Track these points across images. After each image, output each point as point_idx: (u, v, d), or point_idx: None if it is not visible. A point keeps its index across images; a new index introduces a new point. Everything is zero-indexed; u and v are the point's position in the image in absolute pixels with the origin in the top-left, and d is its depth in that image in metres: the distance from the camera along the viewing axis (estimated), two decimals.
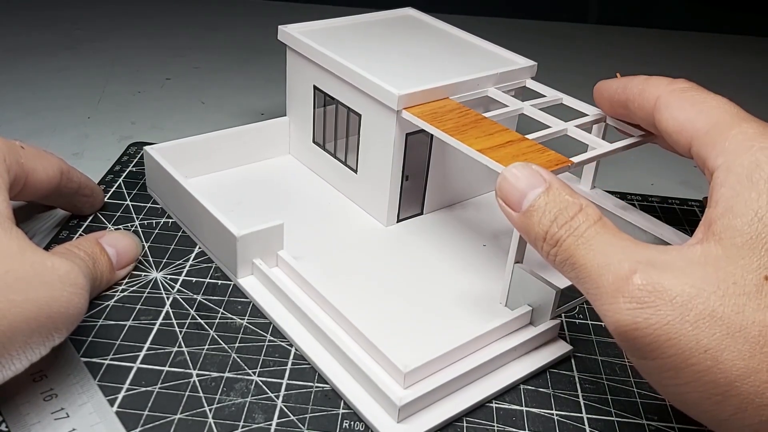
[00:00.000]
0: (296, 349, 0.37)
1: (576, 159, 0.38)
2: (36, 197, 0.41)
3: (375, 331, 0.35)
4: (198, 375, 0.35)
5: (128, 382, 0.34)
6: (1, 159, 0.34)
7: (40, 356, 0.30)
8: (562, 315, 0.41)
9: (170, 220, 0.46)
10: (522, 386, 0.36)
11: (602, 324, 0.40)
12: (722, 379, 0.25)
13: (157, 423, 0.32)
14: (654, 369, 0.27)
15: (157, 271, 0.41)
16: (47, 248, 0.41)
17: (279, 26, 0.49)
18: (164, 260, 0.42)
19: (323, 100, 0.48)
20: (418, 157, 0.45)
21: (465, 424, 0.34)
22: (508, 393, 0.35)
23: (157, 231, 0.45)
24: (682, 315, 0.26)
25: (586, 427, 0.34)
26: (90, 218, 0.45)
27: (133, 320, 0.38)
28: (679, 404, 0.28)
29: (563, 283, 0.37)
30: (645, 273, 0.27)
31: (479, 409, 0.34)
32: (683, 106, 0.34)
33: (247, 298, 0.40)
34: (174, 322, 0.38)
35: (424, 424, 0.33)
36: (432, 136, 0.44)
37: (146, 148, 0.47)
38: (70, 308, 0.31)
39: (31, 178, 0.38)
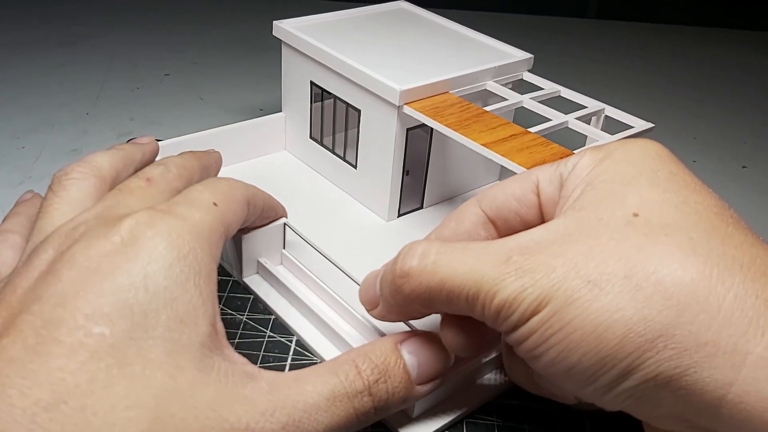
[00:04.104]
0: (306, 347, 0.37)
1: (578, 152, 0.38)
2: None
3: (385, 329, 0.35)
4: None
5: None
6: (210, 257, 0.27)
7: None
8: None
9: None
10: None
11: None
12: (605, 305, 0.24)
13: None
14: (532, 328, 0.26)
15: None
16: None
17: (274, 22, 0.49)
18: None
19: (320, 95, 0.48)
20: (418, 152, 0.45)
21: (465, 420, 0.33)
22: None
23: None
24: (562, 259, 0.25)
25: (585, 420, 0.34)
26: None
27: None
28: (557, 363, 0.26)
29: None
30: (521, 252, 0.26)
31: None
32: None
33: (247, 294, 0.40)
34: None
35: (439, 421, 0.33)
36: (432, 130, 0.44)
37: None
38: None
39: (228, 235, 0.31)
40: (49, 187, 0.31)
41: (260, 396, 0.25)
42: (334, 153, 0.49)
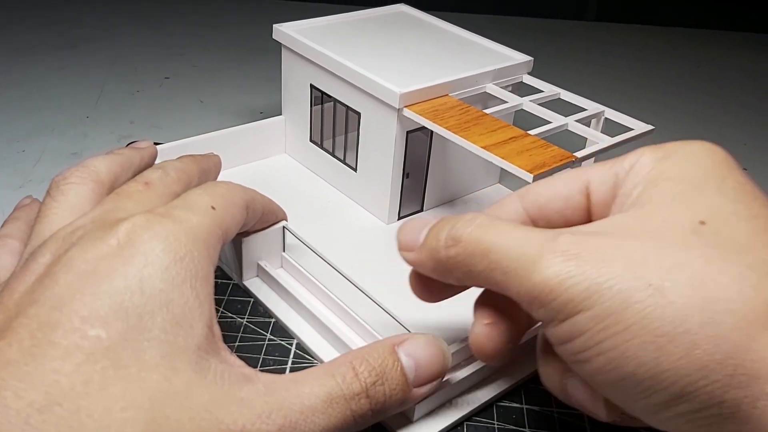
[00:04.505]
0: (306, 350, 0.37)
1: (579, 154, 0.38)
2: None
3: (384, 332, 0.35)
4: None
5: None
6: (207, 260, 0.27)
7: None
8: None
9: None
10: (522, 384, 0.36)
11: None
12: (669, 314, 0.22)
13: None
14: (581, 327, 0.24)
15: None
16: None
17: (273, 25, 0.49)
18: None
19: (320, 98, 0.48)
20: (418, 154, 0.45)
21: (465, 423, 0.33)
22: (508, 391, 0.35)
23: None
24: (618, 253, 0.24)
25: (587, 424, 0.34)
26: None
27: None
28: (608, 371, 0.24)
29: None
30: (572, 232, 0.25)
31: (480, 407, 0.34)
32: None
33: (247, 297, 0.40)
34: None
35: (439, 423, 0.33)
36: (432, 132, 0.44)
37: None
38: None
39: (226, 238, 0.31)
40: (48, 192, 0.31)
41: (257, 398, 0.25)
42: (334, 156, 0.49)
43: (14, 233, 0.32)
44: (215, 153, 0.39)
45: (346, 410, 0.27)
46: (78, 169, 0.32)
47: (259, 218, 0.37)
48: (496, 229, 0.27)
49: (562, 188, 0.30)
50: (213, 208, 0.29)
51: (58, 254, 0.26)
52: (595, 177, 0.29)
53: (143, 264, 0.25)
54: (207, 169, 0.37)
